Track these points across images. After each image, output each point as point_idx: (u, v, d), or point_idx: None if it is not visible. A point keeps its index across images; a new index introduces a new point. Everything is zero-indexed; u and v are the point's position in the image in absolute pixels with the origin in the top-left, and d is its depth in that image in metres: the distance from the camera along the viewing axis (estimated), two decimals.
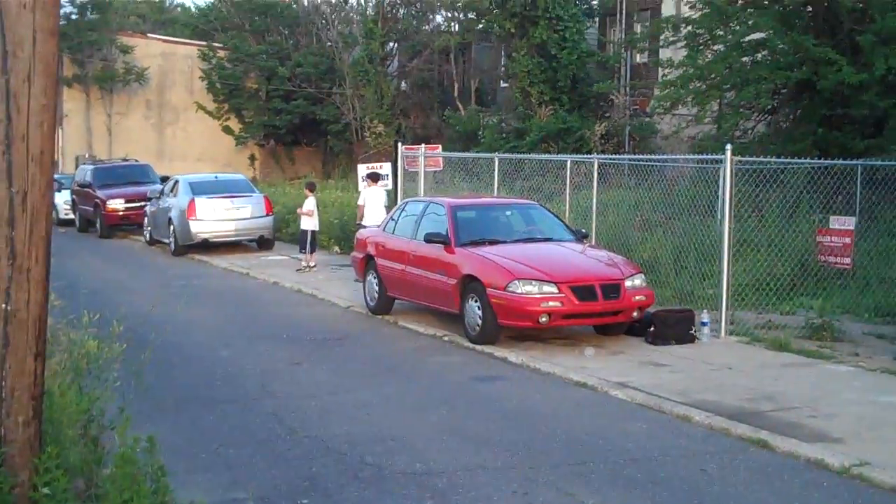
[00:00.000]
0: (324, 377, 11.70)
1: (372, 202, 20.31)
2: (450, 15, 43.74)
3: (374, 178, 21.08)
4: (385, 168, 23.42)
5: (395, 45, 44.12)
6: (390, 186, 22.94)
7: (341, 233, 24.05)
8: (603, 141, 30.96)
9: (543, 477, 8.02)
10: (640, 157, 23.15)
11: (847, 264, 15.88)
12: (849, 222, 16.05)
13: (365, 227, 18.86)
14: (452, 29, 42.98)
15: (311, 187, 22.69)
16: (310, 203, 21.79)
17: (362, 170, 22.86)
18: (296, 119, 45.73)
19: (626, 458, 8.53)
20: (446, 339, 13.94)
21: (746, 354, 12.67)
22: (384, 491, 7.70)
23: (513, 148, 30.87)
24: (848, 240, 15.72)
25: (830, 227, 16.08)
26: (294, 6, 49.42)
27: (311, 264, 21.31)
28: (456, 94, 40.80)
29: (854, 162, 18.65)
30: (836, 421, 9.52)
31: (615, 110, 33.25)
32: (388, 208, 20.03)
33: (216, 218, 24.37)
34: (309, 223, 21.56)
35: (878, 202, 18.50)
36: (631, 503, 7.43)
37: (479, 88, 41.87)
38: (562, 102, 33.52)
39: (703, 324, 13.58)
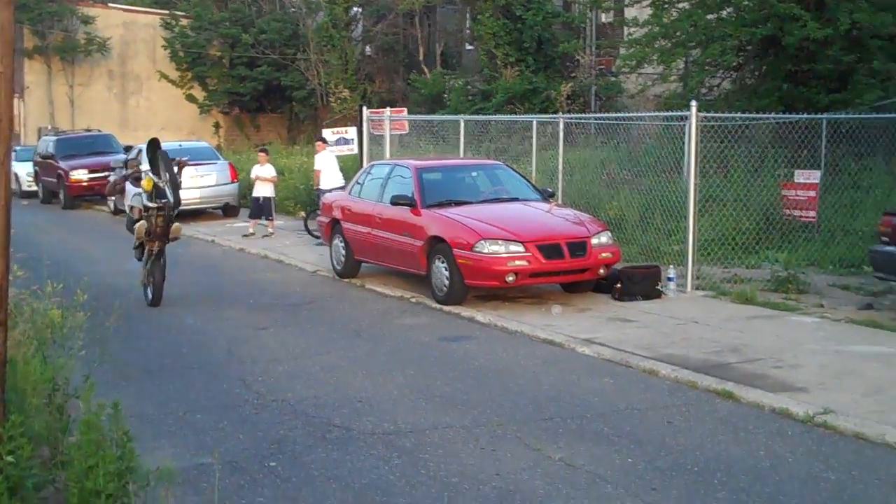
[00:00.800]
0: (291, 342, 11.65)
1: (327, 166, 20.38)
2: None
3: (322, 141, 21.18)
4: (350, 133, 23.35)
5: (359, 9, 43.73)
6: (356, 151, 22.85)
7: (307, 198, 23.95)
8: (569, 101, 30.89)
9: (511, 434, 8.03)
10: (606, 115, 23.12)
11: (812, 217, 15.99)
12: (814, 176, 16.14)
13: (323, 191, 18.91)
14: None
15: (268, 152, 22.65)
16: (271, 169, 21.75)
17: (327, 134, 22.76)
18: (260, 86, 45.34)
19: (593, 413, 8.56)
20: (413, 300, 13.94)
21: (712, 308, 12.74)
22: (352, 451, 7.68)
23: (479, 110, 30.77)
24: (813, 193, 15.81)
25: (795, 180, 16.18)
26: None
27: (251, 231, 21.28)
28: (421, 57, 40.52)
29: (819, 116, 18.70)
30: (801, 371, 9.59)
31: (581, 70, 33.14)
32: (345, 171, 20.10)
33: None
34: (269, 189, 21.51)
35: (842, 156, 18.60)
36: (598, 457, 7.44)
37: (444, 51, 41.59)
38: (527, 63, 33.38)
39: (670, 279, 13.65)
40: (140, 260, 14.15)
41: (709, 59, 23.04)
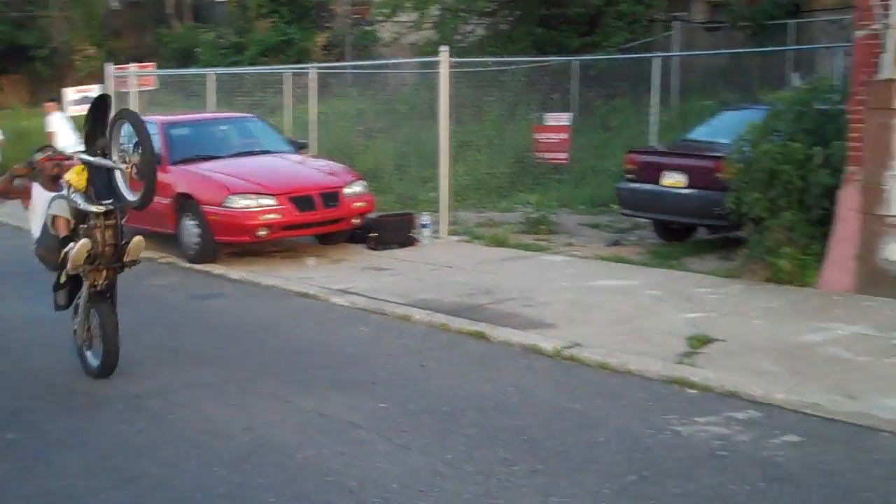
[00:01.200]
0: (30, 310, 11.02)
1: (61, 127, 19.60)
2: None
3: (52, 101, 20.45)
4: (94, 91, 22.33)
5: None
6: None
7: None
8: (325, 52, 30.62)
9: (262, 388, 7.84)
10: (359, 63, 22.98)
11: (563, 159, 16.37)
12: (564, 118, 16.52)
13: None
14: None
15: None
16: None
17: (70, 94, 21.74)
18: None
19: (346, 362, 8.47)
20: (163, 261, 13.47)
21: (466, 252, 12.85)
22: (95, 417, 7.32)
23: (233, 63, 30.05)
24: (564, 135, 16.18)
25: (546, 123, 16.51)
26: None
27: None
28: (171, 10, 39.27)
29: (568, 58, 19.16)
30: (550, 308, 9.76)
31: (336, 21, 32.87)
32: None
33: None
34: None
35: (592, 98, 19.17)
36: (350, 404, 7.34)
37: (195, 4, 40.42)
38: (281, 14, 32.80)
39: (424, 226, 13.70)
40: (63, 307, 8.71)
41: (462, 5, 23.25)
